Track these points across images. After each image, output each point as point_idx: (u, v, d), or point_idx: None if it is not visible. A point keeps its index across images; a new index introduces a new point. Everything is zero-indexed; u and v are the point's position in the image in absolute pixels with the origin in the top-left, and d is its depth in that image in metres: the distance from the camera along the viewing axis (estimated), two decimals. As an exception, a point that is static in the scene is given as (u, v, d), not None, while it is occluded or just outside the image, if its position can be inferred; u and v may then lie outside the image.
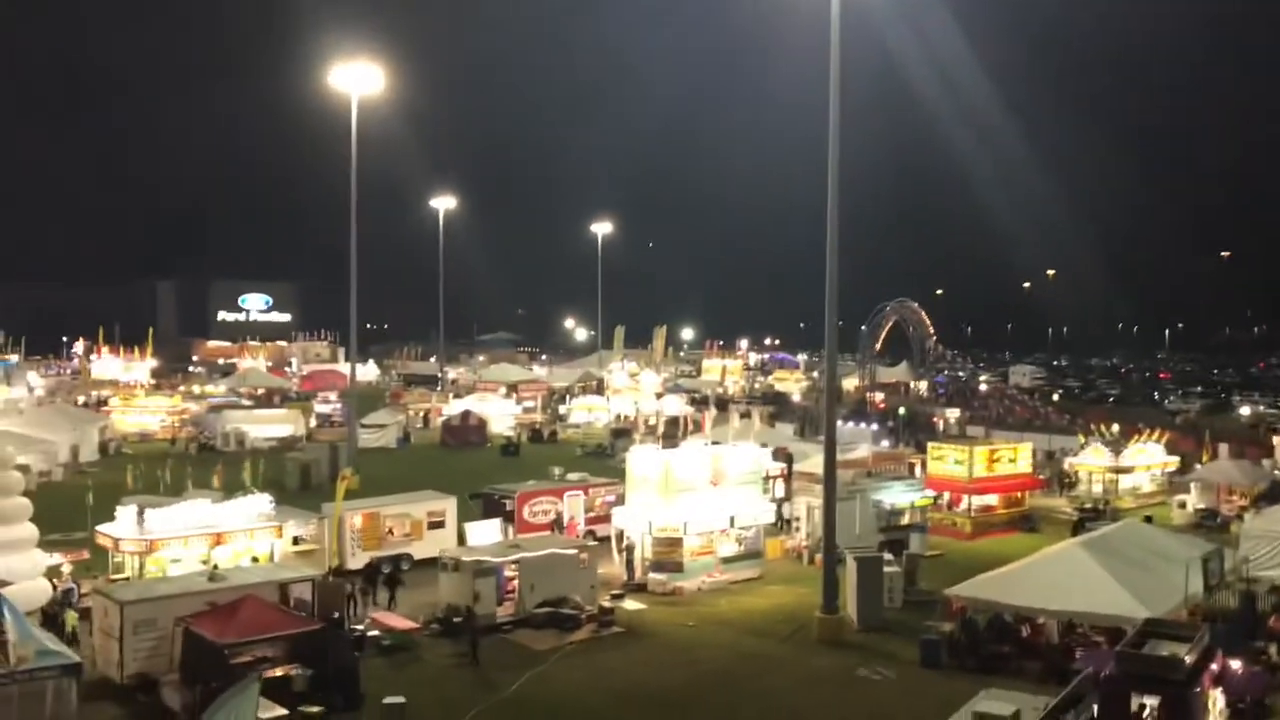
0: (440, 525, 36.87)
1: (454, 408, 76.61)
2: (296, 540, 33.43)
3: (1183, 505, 47.81)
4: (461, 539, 35.57)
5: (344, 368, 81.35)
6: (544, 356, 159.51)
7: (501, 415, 77.08)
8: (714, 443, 40.05)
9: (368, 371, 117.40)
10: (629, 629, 29.82)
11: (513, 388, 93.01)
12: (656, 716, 23.46)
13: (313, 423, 72.24)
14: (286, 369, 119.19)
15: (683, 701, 24.43)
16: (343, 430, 63.18)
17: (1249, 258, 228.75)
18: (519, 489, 39.08)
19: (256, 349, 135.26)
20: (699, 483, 35.03)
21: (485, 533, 35.20)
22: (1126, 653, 19.39)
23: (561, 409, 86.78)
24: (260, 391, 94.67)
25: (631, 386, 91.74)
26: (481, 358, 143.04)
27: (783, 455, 42.49)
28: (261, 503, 33.09)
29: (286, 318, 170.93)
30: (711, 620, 31.06)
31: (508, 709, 23.67)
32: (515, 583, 29.89)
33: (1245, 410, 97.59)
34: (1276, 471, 51.45)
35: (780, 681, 25.92)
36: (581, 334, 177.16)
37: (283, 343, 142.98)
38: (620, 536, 35.41)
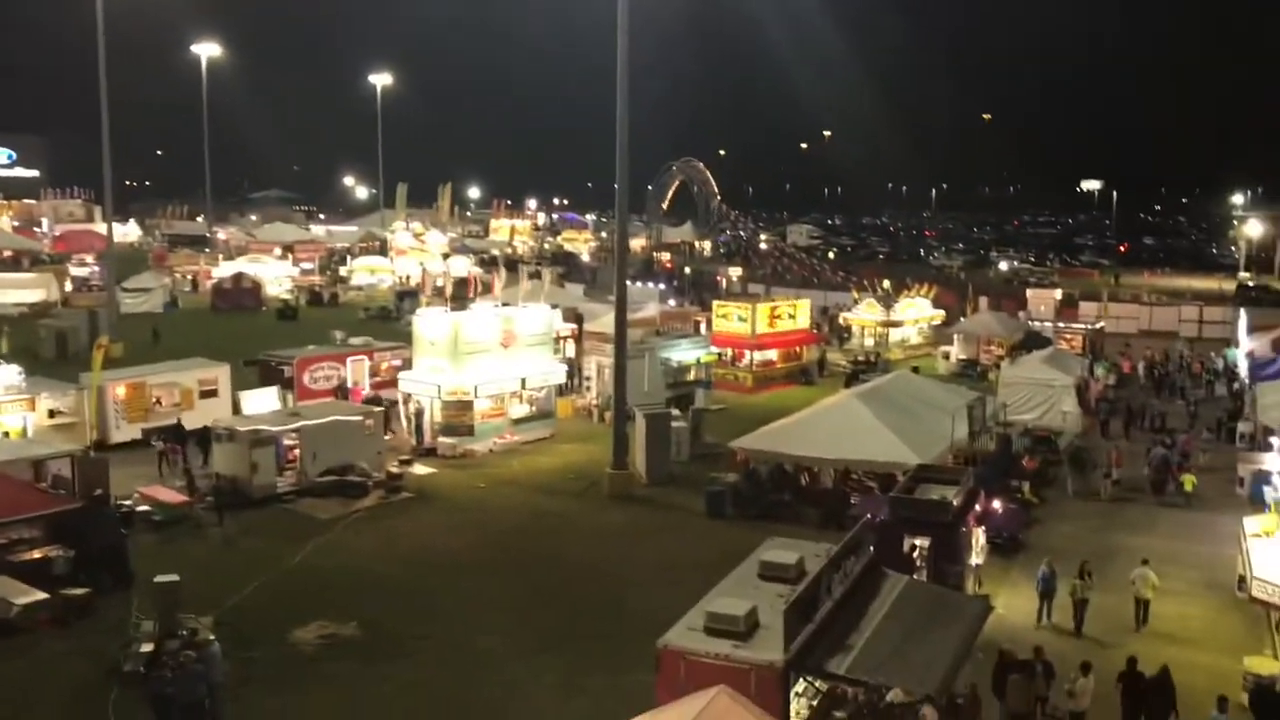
0: (213, 394, 35.06)
1: (225, 270, 72.62)
2: (53, 413, 31.15)
3: (946, 356, 50.79)
4: (237, 408, 33.99)
5: (101, 227, 75.37)
6: (322, 215, 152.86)
7: (277, 277, 73.71)
8: (504, 304, 39.46)
9: (128, 231, 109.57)
10: (418, 494, 29.42)
11: (289, 248, 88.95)
12: (447, 578, 23.27)
13: (68, 287, 67.44)
14: (36, 229, 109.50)
15: (474, 562, 24.35)
16: (102, 295, 58.97)
17: (1008, 120, 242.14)
18: (298, 354, 37.49)
19: (1, 207, 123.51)
20: (489, 345, 34.51)
21: (263, 401, 33.73)
22: (899, 498, 20.42)
23: (342, 270, 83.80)
24: (8, 254, 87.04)
25: (417, 247, 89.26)
26: (254, 217, 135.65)
27: (572, 315, 42.42)
28: (10, 373, 30.56)
29: (34, 174, 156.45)
30: (503, 481, 31.02)
31: (292, 579, 22.95)
32: (296, 451, 28.88)
33: (1004, 265, 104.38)
34: (1030, 323, 55.15)
35: (571, 537, 26.22)
36: (362, 192, 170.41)
37: (31, 200, 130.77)
38: (408, 401, 34.66)
